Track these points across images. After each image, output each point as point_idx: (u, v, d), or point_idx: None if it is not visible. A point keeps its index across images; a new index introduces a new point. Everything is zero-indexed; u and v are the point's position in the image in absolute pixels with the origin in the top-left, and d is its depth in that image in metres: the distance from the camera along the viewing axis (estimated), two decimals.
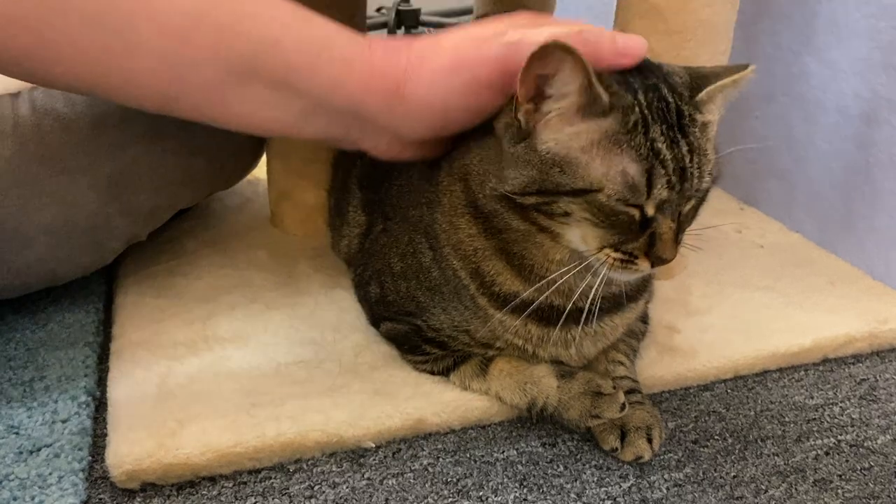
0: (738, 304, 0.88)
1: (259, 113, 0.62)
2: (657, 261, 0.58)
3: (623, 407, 0.65)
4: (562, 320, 0.64)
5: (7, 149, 0.71)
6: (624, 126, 0.55)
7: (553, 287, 0.63)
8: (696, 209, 0.61)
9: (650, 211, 0.56)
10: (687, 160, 0.56)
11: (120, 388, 0.70)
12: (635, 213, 0.56)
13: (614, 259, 0.58)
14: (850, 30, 0.98)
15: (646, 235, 0.57)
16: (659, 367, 0.77)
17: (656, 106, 0.56)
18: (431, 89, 0.61)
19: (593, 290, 0.61)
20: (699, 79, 0.60)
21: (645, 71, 0.59)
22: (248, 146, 0.97)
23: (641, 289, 0.71)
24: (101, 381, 0.74)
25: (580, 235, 0.59)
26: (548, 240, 0.61)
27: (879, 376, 0.81)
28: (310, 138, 0.67)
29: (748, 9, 1.03)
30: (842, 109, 1.00)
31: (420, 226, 0.71)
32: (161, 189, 0.85)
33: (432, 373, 0.73)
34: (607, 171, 0.55)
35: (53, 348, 0.78)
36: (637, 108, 0.55)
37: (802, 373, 0.81)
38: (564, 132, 0.56)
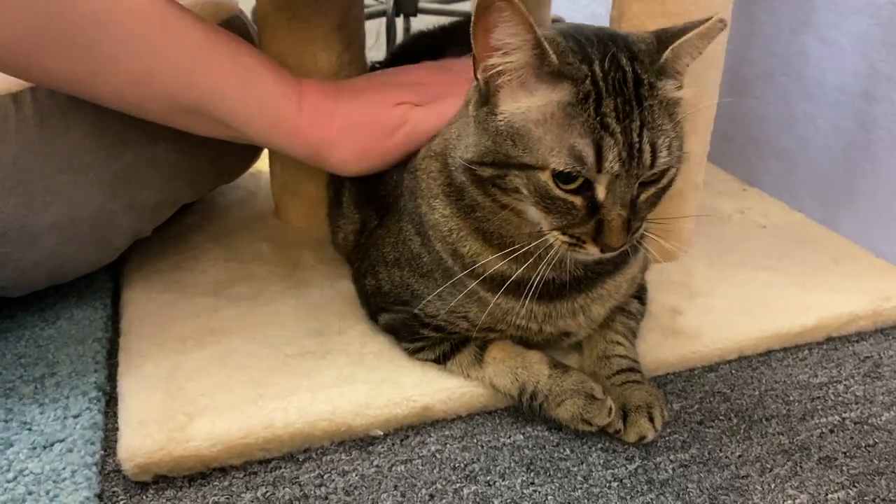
0: (742, 285, 0.89)
1: (202, 131, 0.76)
2: (605, 248, 0.57)
3: (611, 411, 0.66)
4: (550, 290, 0.64)
5: (11, 148, 0.71)
6: (576, 97, 0.55)
7: (546, 261, 0.61)
8: (657, 196, 0.59)
9: (601, 193, 0.56)
10: (637, 134, 0.55)
11: (129, 383, 0.71)
12: (575, 199, 0.56)
13: (562, 242, 0.58)
14: (848, 6, 0.97)
15: (593, 222, 0.57)
16: (663, 349, 0.78)
17: (613, 77, 0.55)
18: (348, 162, 0.78)
19: (543, 264, 0.61)
20: (666, 39, 0.58)
21: (606, 40, 0.57)
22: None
23: (637, 243, 0.69)
24: (111, 376, 0.75)
25: (536, 213, 0.59)
26: (513, 216, 0.62)
27: (883, 353, 0.82)
28: None
29: None
30: (842, 87, 1.00)
31: (405, 212, 0.72)
32: (164, 185, 0.85)
33: (430, 360, 0.73)
34: (556, 145, 0.55)
35: (63, 345, 0.79)
36: (590, 80, 0.55)
37: (806, 352, 0.82)
38: (522, 101, 0.56)
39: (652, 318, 0.81)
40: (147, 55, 0.67)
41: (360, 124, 0.76)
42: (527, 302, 0.66)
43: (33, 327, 0.82)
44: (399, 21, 1.74)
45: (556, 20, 1.56)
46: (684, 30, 0.58)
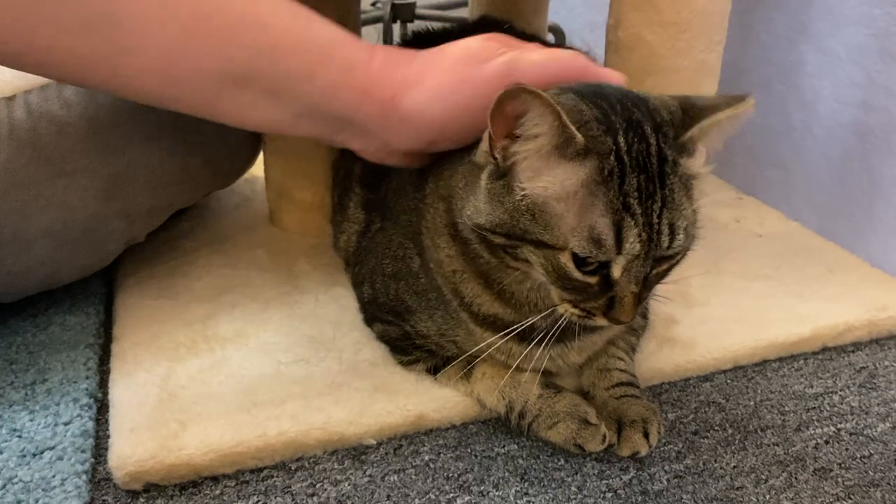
0: (737, 294, 0.89)
1: (252, 114, 0.62)
2: (614, 321, 0.57)
3: (604, 439, 0.65)
4: (545, 341, 0.63)
5: (3, 153, 0.71)
6: (600, 173, 0.52)
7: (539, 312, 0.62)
8: (668, 270, 0.58)
9: (617, 273, 0.54)
10: (659, 216, 0.53)
11: (121, 390, 0.71)
12: (591, 279, 0.55)
13: (572, 313, 0.58)
14: (845, 17, 0.97)
15: (606, 297, 0.56)
16: (658, 358, 0.77)
17: (636, 149, 0.53)
18: (431, 104, 0.61)
19: (556, 327, 0.60)
20: (693, 113, 0.56)
21: (630, 106, 0.55)
22: (245, 145, 0.97)
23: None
24: (103, 383, 0.74)
25: (546, 283, 0.58)
26: (519, 274, 0.61)
27: (878, 364, 0.81)
28: (301, 136, 0.68)
29: None
30: (838, 97, 1.00)
31: (409, 231, 0.71)
32: (158, 189, 0.85)
33: (422, 372, 0.73)
34: (577, 224, 0.53)
35: (55, 351, 0.78)
36: (614, 155, 0.53)
37: (802, 362, 0.81)
38: (543, 177, 0.54)
39: (647, 326, 0.80)
40: (187, 14, 0.56)
41: (448, 55, 0.62)
42: (508, 341, 0.65)
43: (25, 333, 0.81)
44: (396, 27, 1.74)
45: (552, 28, 1.56)
46: (712, 107, 0.56)
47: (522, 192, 0.55)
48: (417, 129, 0.62)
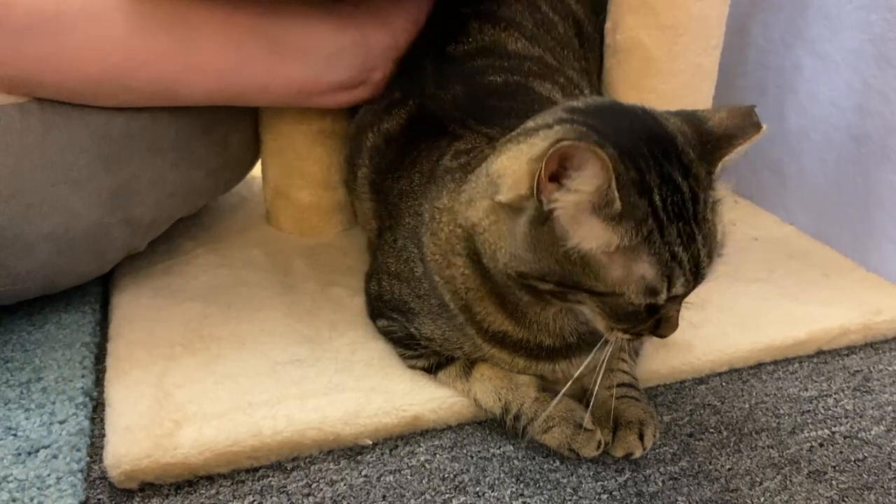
0: (733, 297, 0.89)
1: (298, 72, 0.82)
2: (660, 336, 0.61)
3: (599, 445, 0.65)
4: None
5: (11, 157, 0.71)
6: (640, 235, 0.54)
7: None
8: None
9: (662, 301, 0.57)
10: (703, 254, 0.57)
11: (117, 389, 0.71)
12: (640, 308, 0.58)
13: (622, 338, 0.60)
14: (841, 22, 0.98)
15: (653, 320, 0.59)
16: (654, 360, 0.77)
17: (671, 201, 0.55)
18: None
19: (604, 357, 0.63)
20: (711, 145, 0.59)
21: (659, 155, 0.56)
22: (246, 154, 0.98)
23: None
24: (99, 382, 0.74)
25: (591, 315, 0.60)
26: (557, 308, 0.63)
27: (873, 367, 0.82)
28: (335, 85, 0.85)
29: (740, 2, 1.03)
30: (834, 101, 1.00)
31: (412, 236, 0.71)
32: (161, 201, 0.85)
33: (422, 369, 0.73)
34: (626, 276, 0.55)
35: (50, 349, 0.78)
36: (652, 217, 0.54)
37: (797, 365, 0.82)
38: (581, 230, 0.55)
39: None
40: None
41: None
42: (514, 356, 0.68)
43: (20, 331, 0.81)
44: None
45: None
46: (729, 136, 0.59)
47: (570, 243, 0.55)
48: (404, 28, 0.87)
